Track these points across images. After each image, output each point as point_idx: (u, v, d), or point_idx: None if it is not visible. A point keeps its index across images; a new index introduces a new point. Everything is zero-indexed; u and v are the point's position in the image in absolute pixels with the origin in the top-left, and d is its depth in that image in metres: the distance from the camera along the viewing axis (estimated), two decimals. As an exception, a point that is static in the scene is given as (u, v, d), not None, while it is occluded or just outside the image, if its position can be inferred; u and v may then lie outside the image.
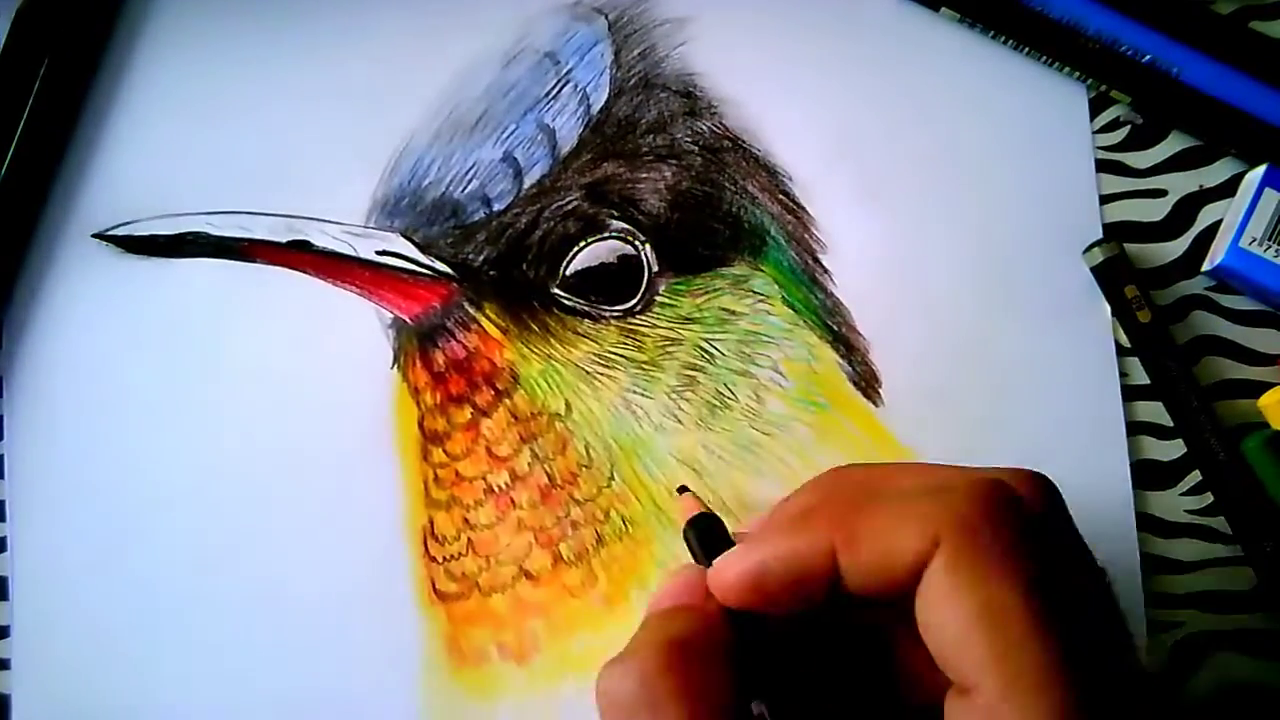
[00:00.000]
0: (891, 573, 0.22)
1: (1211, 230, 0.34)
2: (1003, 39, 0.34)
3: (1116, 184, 0.35)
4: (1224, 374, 0.34)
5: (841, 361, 0.34)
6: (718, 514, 0.27)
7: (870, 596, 0.22)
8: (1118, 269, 0.33)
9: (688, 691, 0.22)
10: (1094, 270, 0.34)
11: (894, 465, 0.26)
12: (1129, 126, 0.35)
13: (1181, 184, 0.35)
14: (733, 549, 0.24)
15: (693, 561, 0.26)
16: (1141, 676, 0.23)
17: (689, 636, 0.23)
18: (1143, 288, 0.33)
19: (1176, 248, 0.35)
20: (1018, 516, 0.22)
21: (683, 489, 0.30)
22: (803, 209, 0.35)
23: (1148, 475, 0.34)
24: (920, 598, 0.21)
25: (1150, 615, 0.33)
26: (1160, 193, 0.35)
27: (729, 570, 0.23)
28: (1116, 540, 0.33)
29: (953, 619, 0.21)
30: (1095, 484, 0.33)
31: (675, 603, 0.24)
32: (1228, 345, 0.34)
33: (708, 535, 0.26)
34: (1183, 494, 0.34)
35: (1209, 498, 0.34)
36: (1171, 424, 0.34)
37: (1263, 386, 0.34)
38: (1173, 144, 0.35)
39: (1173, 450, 0.34)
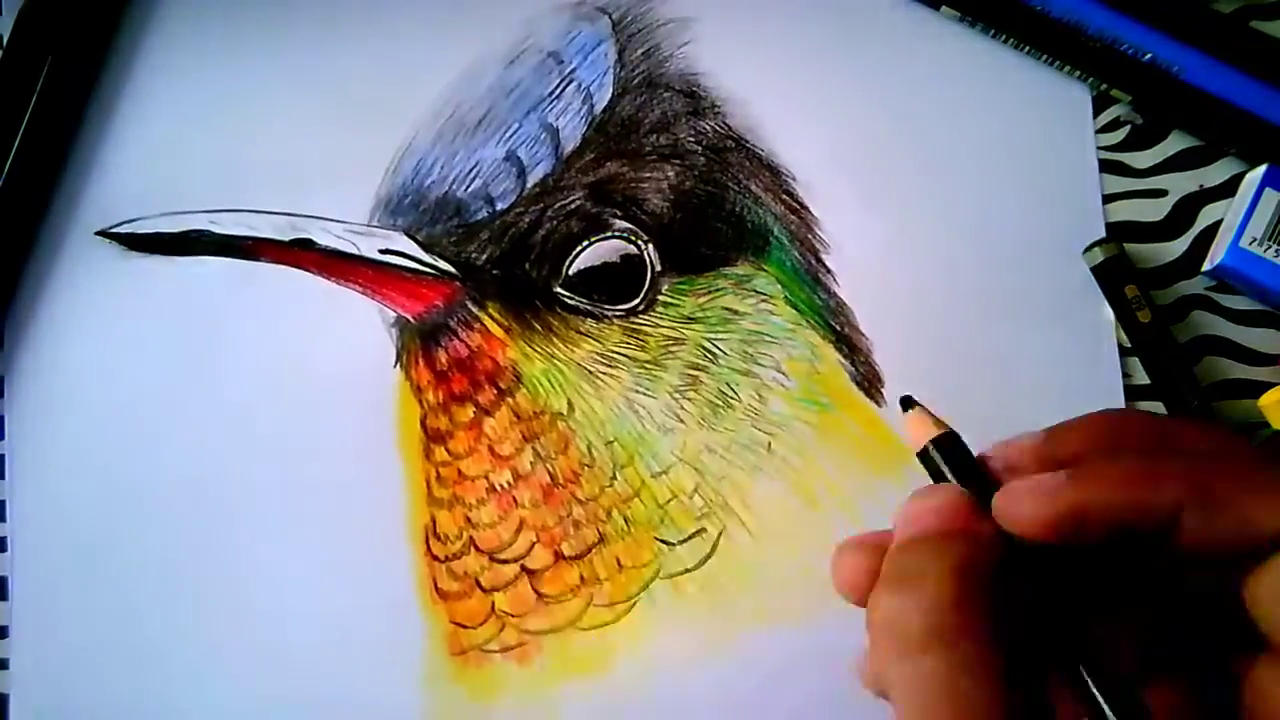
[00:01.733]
0: (1244, 541, 0.21)
1: (1211, 230, 0.35)
2: (1003, 38, 0.35)
3: (1117, 184, 0.36)
4: (1224, 374, 0.35)
5: (844, 361, 0.35)
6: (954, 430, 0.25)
7: (1197, 554, 0.22)
8: (1118, 269, 0.34)
9: (982, 626, 0.21)
10: (1094, 270, 0.35)
11: (1190, 422, 0.24)
12: (1129, 126, 0.36)
13: (1181, 184, 0.36)
14: (1038, 480, 0.22)
15: (937, 483, 0.25)
16: None
17: (977, 566, 0.22)
18: (1143, 288, 0.34)
19: (1176, 248, 0.35)
20: None
21: (908, 401, 0.26)
22: (806, 209, 0.36)
23: None
24: (1270, 572, 0.21)
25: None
26: (1160, 193, 0.36)
27: (1035, 502, 0.22)
28: None
29: None
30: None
31: (946, 526, 0.23)
32: (1228, 345, 0.35)
33: (955, 455, 0.25)
34: None
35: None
36: None
37: (1263, 386, 0.34)
38: (1173, 144, 0.36)
39: None
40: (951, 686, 0.20)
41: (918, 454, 0.25)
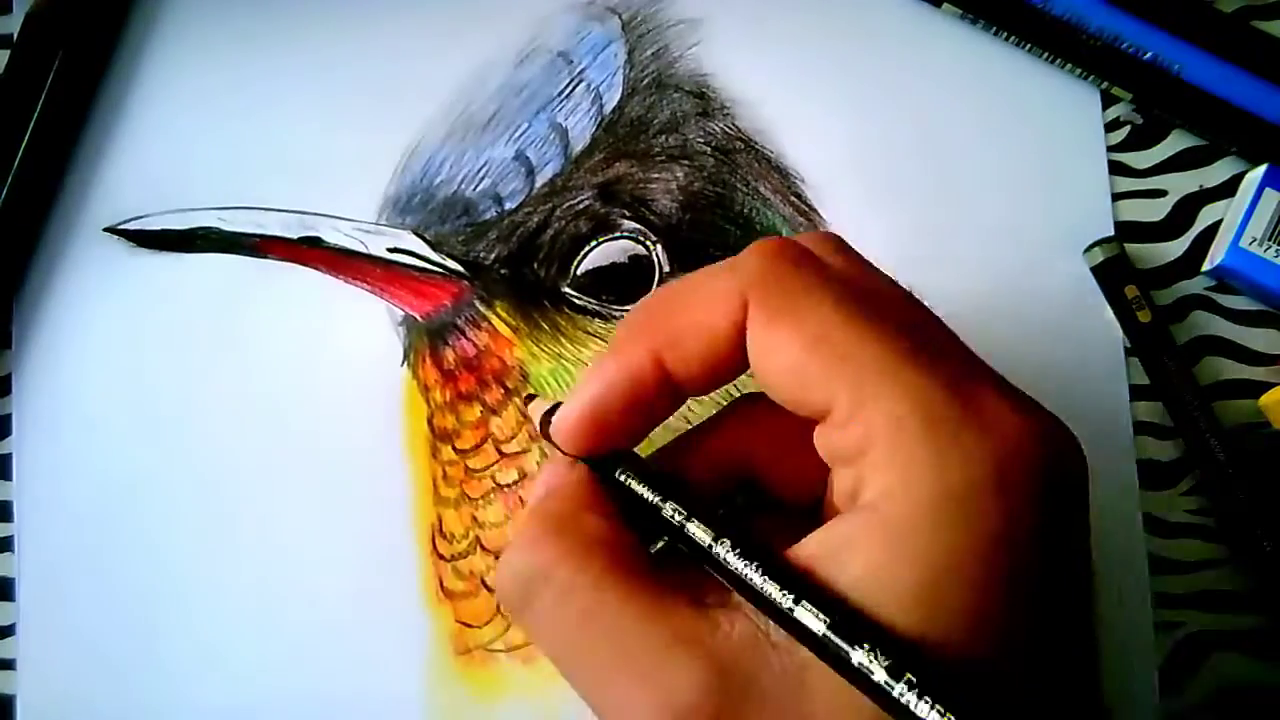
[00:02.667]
0: (719, 352, 0.23)
1: (1211, 230, 0.36)
2: (1005, 36, 0.36)
3: (1117, 184, 0.36)
4: (1224, 374, 0.35)
5: (851, 363, 0.36)
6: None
7: (709, 386, 0.24)
8: (1118, 269, 0.35)
9: (573, 550, 0.23)
10: (1094, 270, 0.35)
11: (685, 276, 0.26)
12: (1129, 126, 0.36)
13: (1181, 184, 0.36)
14: (562, 402, 0.25)
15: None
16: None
17: (560, 504, 0.24)
18: (1143, 287, 0.35)
19: (1176, 248, 0.36)
20: (812, 259, 0.24)
21: (530, 397, 0.32)
22: (814, 211, 0.36)
23: (1148, 475, 0.35)
24: (751, 359, 0.23)
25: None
26: (1160, 193, 0.36)
27: (567, 419, 0.25)
28: (1122, 539, 0.35)
29: (785, 356, 0.22)
30: (1102, 483, 0.35)
31: (543, 491, 0.26)
32: (1228, 345, 0.36)
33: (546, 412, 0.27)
34: (1183, 494, 0.35)
35: (1209, 498, 0.35)
36: (1172, 424, 0.35)
37: (1263, 386, 0.35)
38: (1173, 144, 0.36)
39: (1173, 450, 0.35)
40: (563, 609, 0.23)
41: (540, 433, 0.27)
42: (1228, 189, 0.36)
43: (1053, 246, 0.36)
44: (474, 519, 0.36)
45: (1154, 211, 0.36)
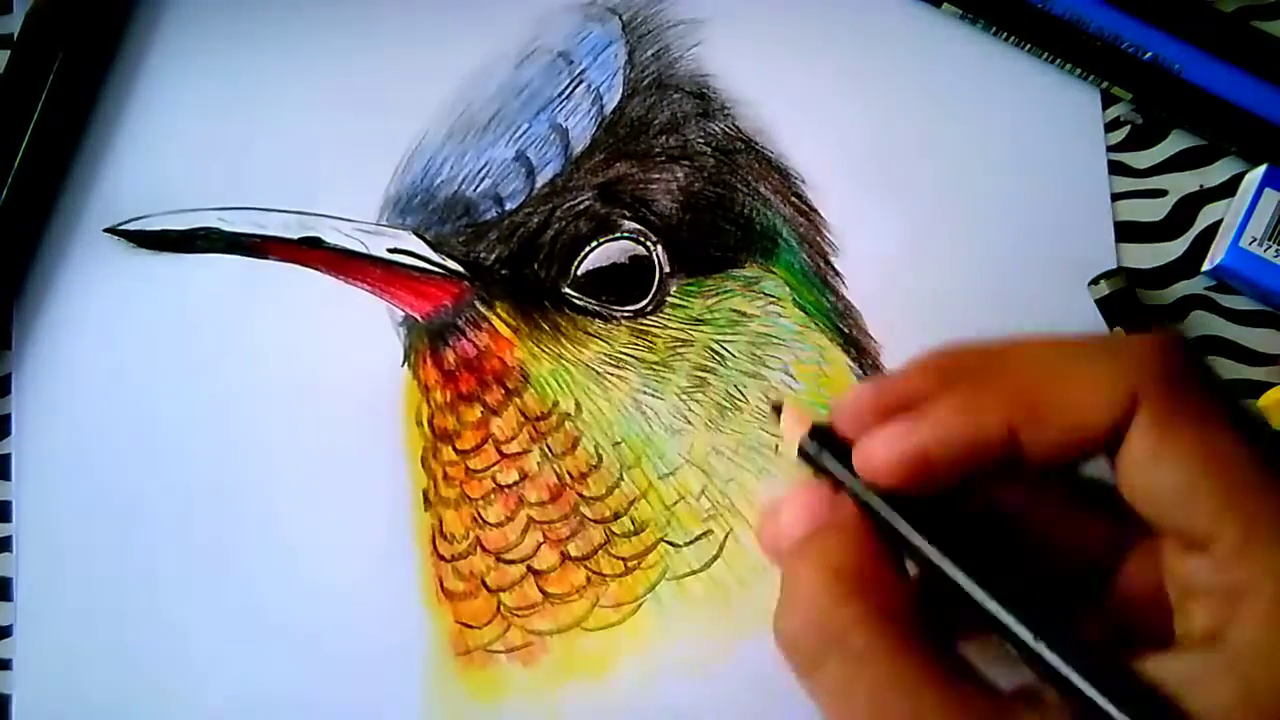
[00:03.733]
0: (1084, 444, 0.22)
1: (1211, 230, 0.36)
2: (1005, 36, 0.36)
3: (1117, 184, 0.36)
4: (1224, 374, 0.36)
5: (852, 364, 0.36)
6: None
7: (1050, 466, 0.23)
8: (1120, 303, 0.35)
9: (867, 613, 0.22)
10: (1099, 303, 0.35)
11: (1019, 341, 0.25)
12: (1129, 126, 0.37)
13: (1181, 184, 0.37)
14: (886, 429, 0.23)
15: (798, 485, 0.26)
16: None
17: (850, 558, 0.23)
18: (1136, 326, 0.35)
19: (1176, 248, 0.36)
20: (1208, 369, 0.23)
21: (777, 407, 0.28)
22: (815, 211, 0.37)
23: None
24: (1126, 459, 0.22)
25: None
26: (1160, 193, 0.37)
27: (887, 450, 0.23)
28: None
29: (1173, 473, 0.21)
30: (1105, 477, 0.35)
31: (807, 528, 0.24)
32: (1228, 345, 0.36)
33: (830, 442, 0.25)
34: None
35: None
36: None
37: (1263, 386, 0.35)
38: (1173, 144, 0.37)
39: None
40: (856, 682, 0.22)
41: (799, 455, 0.26)
42: (1228, 189, 0.36)
43: (1053, 247, 0.36)
44: (474, 519, 0.36)
45: (1154, 211, 0.37)
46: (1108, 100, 0.37)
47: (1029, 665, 0.22)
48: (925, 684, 0.21)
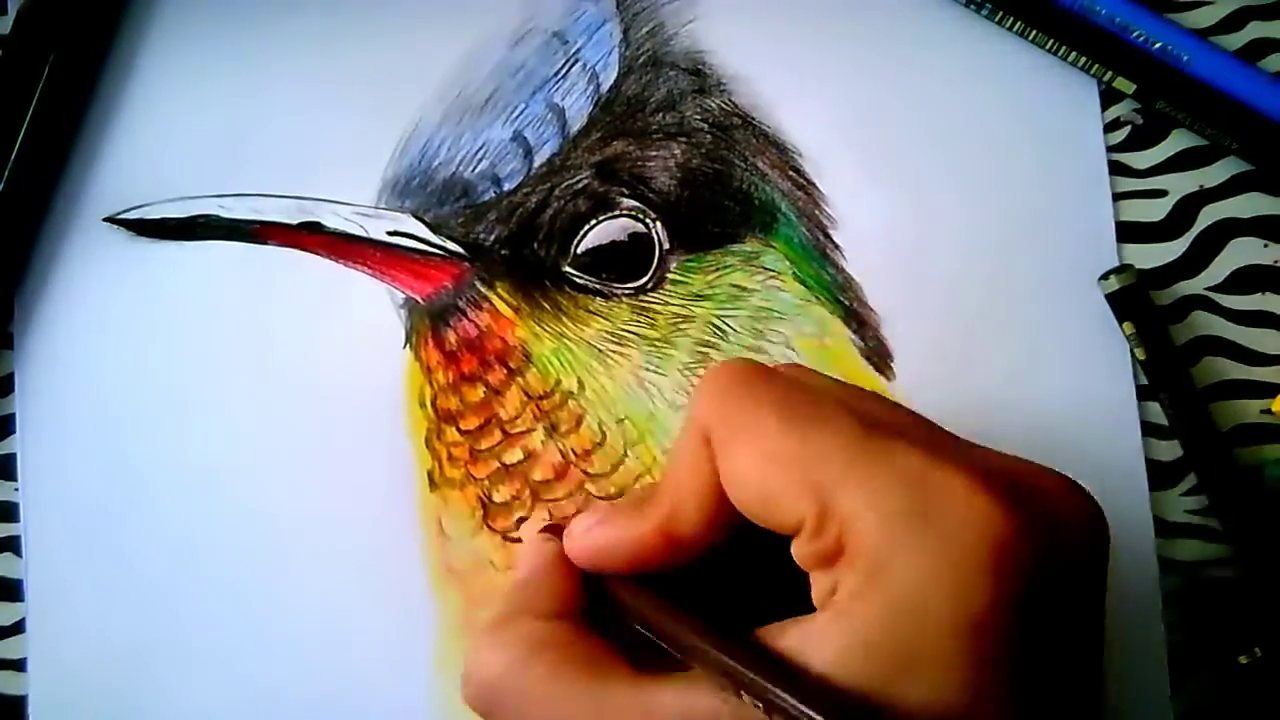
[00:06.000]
0: (716, 503, 0.26)
1: (1212, 230, 0.37)
2: (1008, 22, 0.37)
3: (1117, 184, 0.37)
4: (1224, 374, 0.36)
5: (853, 337, 0.37)
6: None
7: (719, 536, 0.26)
8: (1128, 299, 0.36)
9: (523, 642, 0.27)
10: (1108, 297, 0.36)
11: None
12: (1129, 127, 0.37)
13: (1181, 184, 0.37)
14: (577, 522, 0.29)
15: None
16: None
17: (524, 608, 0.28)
18: (1145, 323, 0.35)
19: (1176, 248, 0.37)
20: (760, 375, 0.26)
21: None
22: (813, 185, 0.38)
23: (1148, 475, 0.36)
24: (728, 495, 0.25)
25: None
26: (1160, 193, 0.37)
27: (578, 546, 0.28)
28: (1132, 540, 0.36)
29: (747, 487, 0.25)
30: (1106, 473, 0.35)
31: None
32: (1228, 345, 0.36)
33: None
34: (1183, 494, 0.36)
35: (1209, 498, 0.36)
36: (1171, 424, 0.36)
37: (1263, 387, 0.36)
38: (1173, 144, 0.37)
39: (1173, 450, 0.36)
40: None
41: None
42: (1228, 189, 0.37)
43: (1051, 218, 0.37)
44: (480, 499, 0.37)
45: (1154, 211, 0.37)
46: (1108, 100, 0.37)
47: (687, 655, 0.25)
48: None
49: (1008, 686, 0.22)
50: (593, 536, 0.28)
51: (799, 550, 0.24)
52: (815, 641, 0.22)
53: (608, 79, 0.38)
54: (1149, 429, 0.36)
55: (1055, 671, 0.23)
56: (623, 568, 0.27)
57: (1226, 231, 0.37)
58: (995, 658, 0.22)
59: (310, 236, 0.38)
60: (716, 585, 0.27)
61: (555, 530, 0.30)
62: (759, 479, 0.24)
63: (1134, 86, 0.36)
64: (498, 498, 0.37)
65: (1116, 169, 0.37)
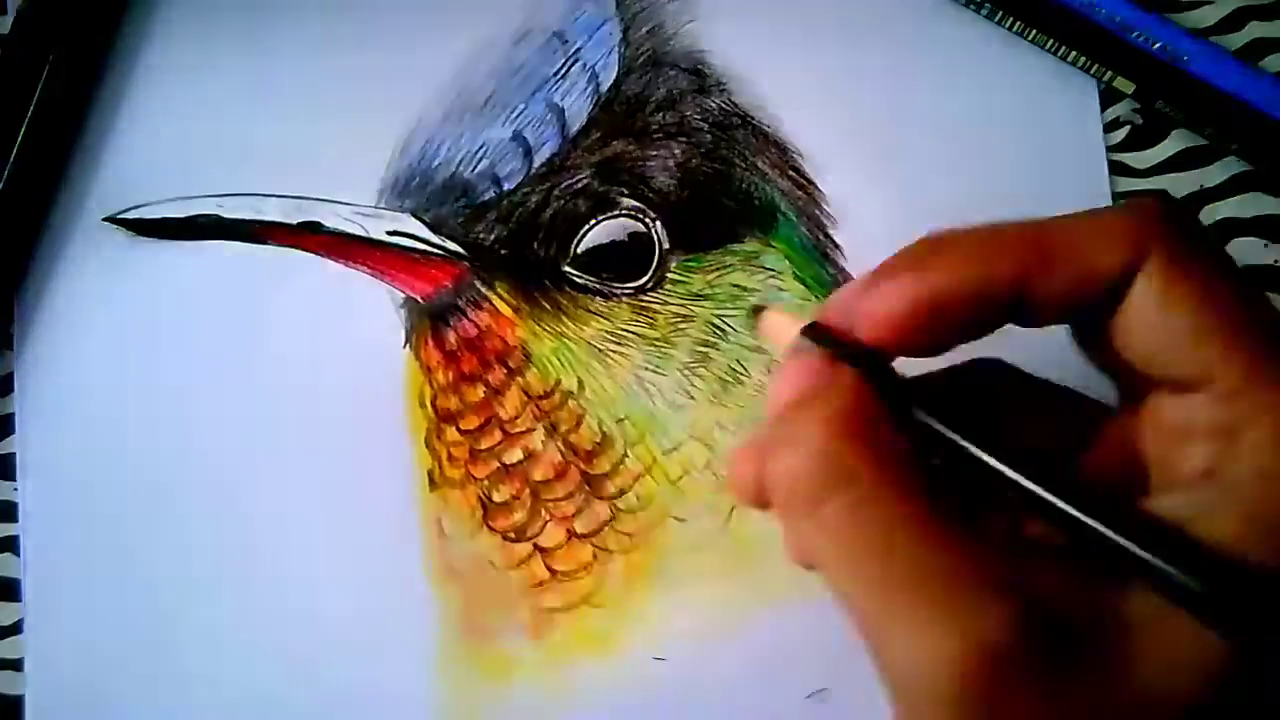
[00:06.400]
0: (1094, 291, 0.22)
1: (1212, 230, 0.37)
2: (1007, 22, 0.37)
3: (1117, 184, 0.37)
4: None
5: (853, 336, 0.37)
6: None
7: (1053, 316, 0.23)
8: None
9: (875, 459, 0.21)
10: None
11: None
12: (1129, 126, 0.38)
13: (1181, 184, 0.37)
14: (890, 281, 0.23)
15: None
16: None
17: (852, 406, 0.22)
18: None
19: None
20: (1207, 229, 0.24)
21: (757, 309, 0.27)
22: (813, 184, 0.38)
23: None
24: (1132, 306, 0.22)
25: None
26: (1160, 193, 0.37)
27: (890, 302, 0.23)
28: None
29: (1179, 315, 0.22)
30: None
31: (809, 385, 0.23)
32: None
33: (826, 339, 0.24)
34: None
35: None
36: None
37: None
38: (1173, 144, 0.37)
39: None
40: (864, 520, 0.21)
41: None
42: (1228, 189, 0.37)
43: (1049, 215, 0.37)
44: (480, 499, 0.37)
45: None
46: (1107, 100, 0.37)
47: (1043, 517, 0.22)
48: (936, 526, 0.21)
49: None
50: (922, 277, 0.23)
51: (1190, 411, 0.22)
52: (1208, 518, 0.21)
53: (608, 79, 0.38)
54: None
55: None
56: (949, 320, 0.23)
57: (1226, 231, 0.37)
58: None
59: (310, 236, 0.38)
60: None
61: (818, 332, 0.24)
62: (1198, 317, 0.22)
63: (1134, 86, 0.37)
64: (498, 497, 0.37)
65: (1116, 169, 0.37)
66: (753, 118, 0.38)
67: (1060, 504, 0.21)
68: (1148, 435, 0.23)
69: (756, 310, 0.27)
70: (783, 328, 0.26)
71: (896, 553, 0.21)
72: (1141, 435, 0.23)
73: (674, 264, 0.37)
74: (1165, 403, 0.23)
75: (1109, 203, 0.37)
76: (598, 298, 0.37)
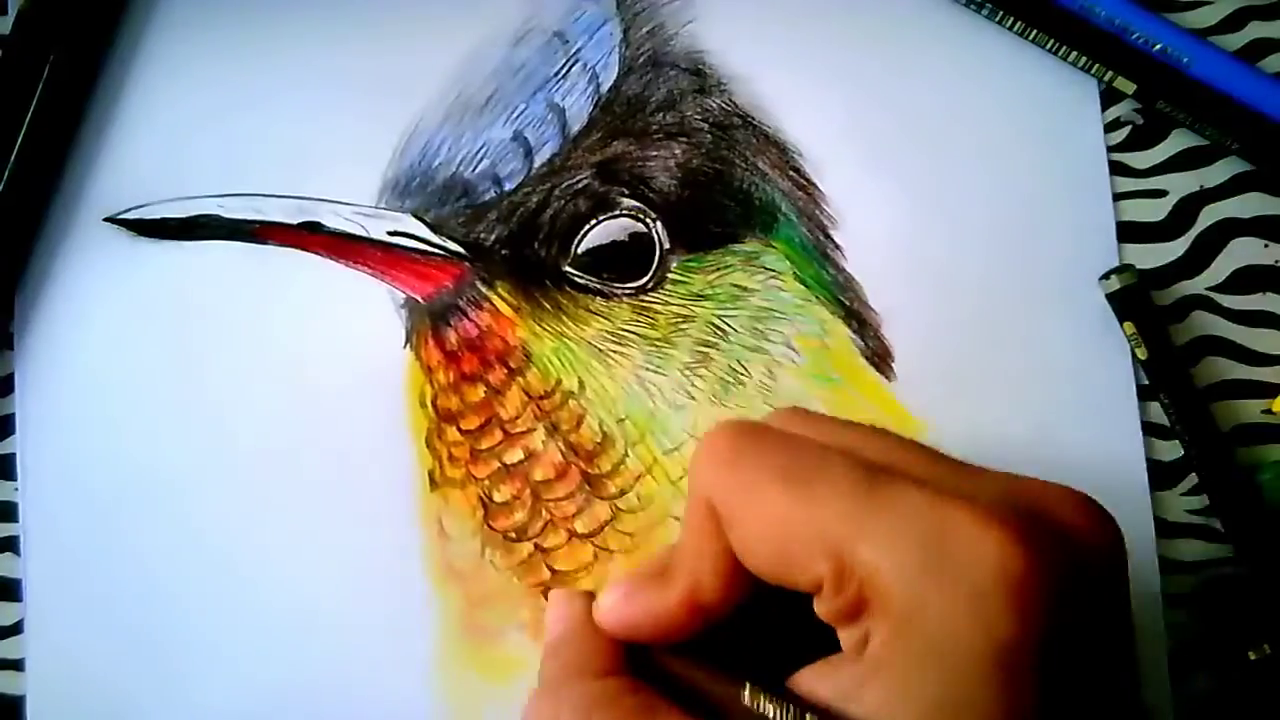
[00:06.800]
0: (734, 570, 0.26)
1: (1212, 230, 0.37)
2: (1008, 22, 0.37)
3: (1117, 184, 0.37)
4: (1224, 374, 0.37)
5: (854, 337, 0.37)
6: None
7: (740, 600, 0.26)
8: (1128, 299, 0.36)
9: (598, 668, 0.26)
10: (1109, 297, 0.36)
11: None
12: (1129, 127, 0.38)
13: (1181, 184, 0.37)
14: (608, 593, 0.28)
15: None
16: None
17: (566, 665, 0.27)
18: (1146, 322, 0.36)
19: (1177, 248, 0.37)
20: (752, 436, 0.26)
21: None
22: (813, 185, 0.38)
23: (1148, 475, 0.36)
24: (736, 549, 0.26)
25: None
26: (1160, 193, 0.37)
27: (608, 616, 0.27)
28: (1130, 532, 0.35)
29: (760, 556, 0.25)
30: (1107, 473, 0.36)
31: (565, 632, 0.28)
32: (1228, 345, 0.37)
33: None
34: (1183, 494, 0.36)
35: (1210, 498, 0.36)
36: (1172, 424, 0.36)
37: (1263, 387, 0.36)
38: (1173, 144, 0.37)
39: (1173, 450, 0.36)
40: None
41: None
42: (1228, 189, 0.37)
43: (1051, 219, 0.37)
44: (481, 499, 0.37)
45: (1154, 212, 0.37)
46: (1108, 100, 0.38)
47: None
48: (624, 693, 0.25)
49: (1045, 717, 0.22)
50: (620, 612, 0.27)
51: (822, 608, 0.24)
52: (855, 693, 0.23)
53: (608, 79, 0.38)
54: (1149, 429, 0.36)
55: (1092, 691, 0.23)
56: (655, 639, 0.27)
57: (1227, 231, 0.37)
58: (1030, 690, 0.21)
59: (310, 236, 0.38)
60: (743, 631, 0.27)
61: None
62: (770, 546, 0.24)
63: (1134, 86, 0.37)
64: (498, 497, 0.37)
65: (1116, 169, 0.38)
66: (753, 118, 0.38)
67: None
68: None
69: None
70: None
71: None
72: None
73: (674, 264, 0.37)
74: (815, 601, 0.24)
75: (1109, 202, 0.37)
76: (598, 298, 0.37)
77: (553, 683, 0.27)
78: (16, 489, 0.38)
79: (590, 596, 0.28)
